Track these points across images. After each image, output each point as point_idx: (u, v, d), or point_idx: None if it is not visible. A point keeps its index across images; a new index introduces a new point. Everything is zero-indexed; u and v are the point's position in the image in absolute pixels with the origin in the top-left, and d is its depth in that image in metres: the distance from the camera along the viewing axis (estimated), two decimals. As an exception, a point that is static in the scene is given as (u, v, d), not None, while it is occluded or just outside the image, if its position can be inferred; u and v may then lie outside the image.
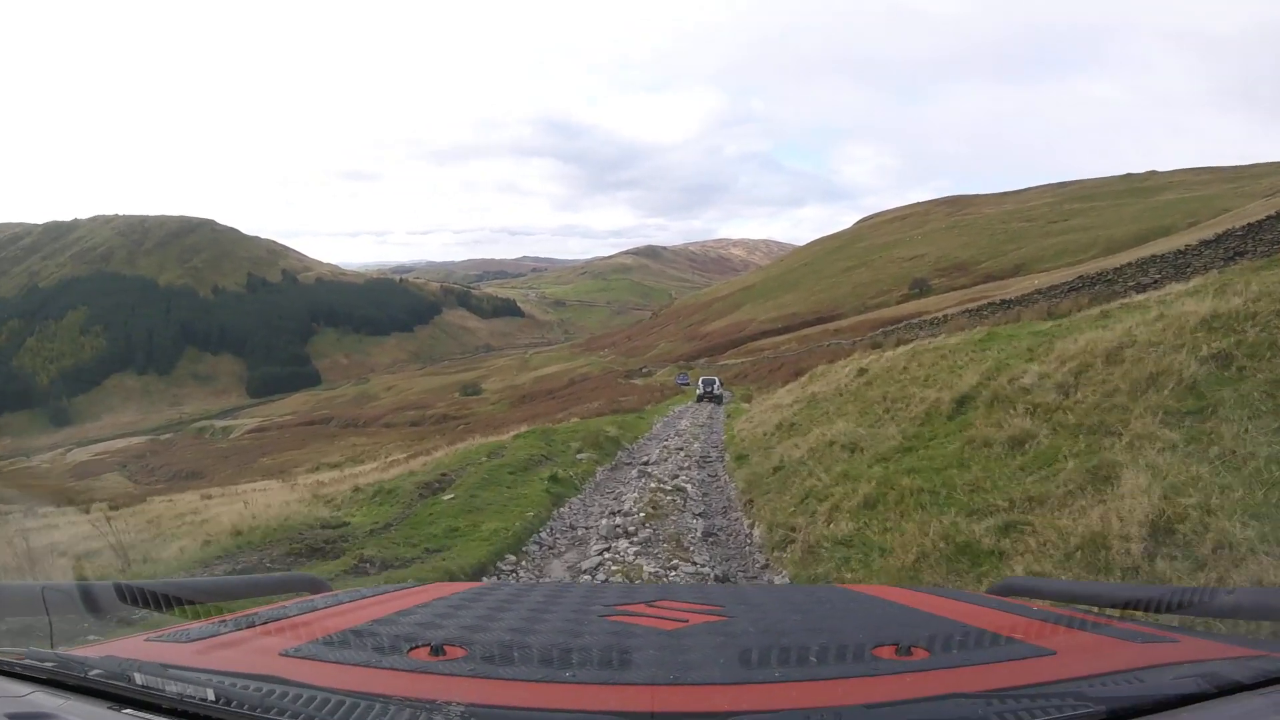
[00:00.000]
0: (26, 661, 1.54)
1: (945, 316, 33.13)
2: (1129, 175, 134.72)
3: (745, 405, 33.38)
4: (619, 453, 19.48)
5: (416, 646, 1.67)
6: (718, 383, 43.45)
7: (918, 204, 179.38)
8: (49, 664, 1.51)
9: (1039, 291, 23.95)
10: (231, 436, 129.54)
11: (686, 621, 2.02)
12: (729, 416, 29.02)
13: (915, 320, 42.04)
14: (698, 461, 17.47)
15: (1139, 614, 2.00)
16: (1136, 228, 78.60)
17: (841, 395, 16.47)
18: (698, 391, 42.13)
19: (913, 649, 1.60)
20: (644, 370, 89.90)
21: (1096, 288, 23.87)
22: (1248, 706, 1.25)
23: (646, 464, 17.08)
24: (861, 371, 17.78)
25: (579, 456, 17.23)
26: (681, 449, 19.76)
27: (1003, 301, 27.46)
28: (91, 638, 2.57)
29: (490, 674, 1.49)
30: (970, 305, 35.68)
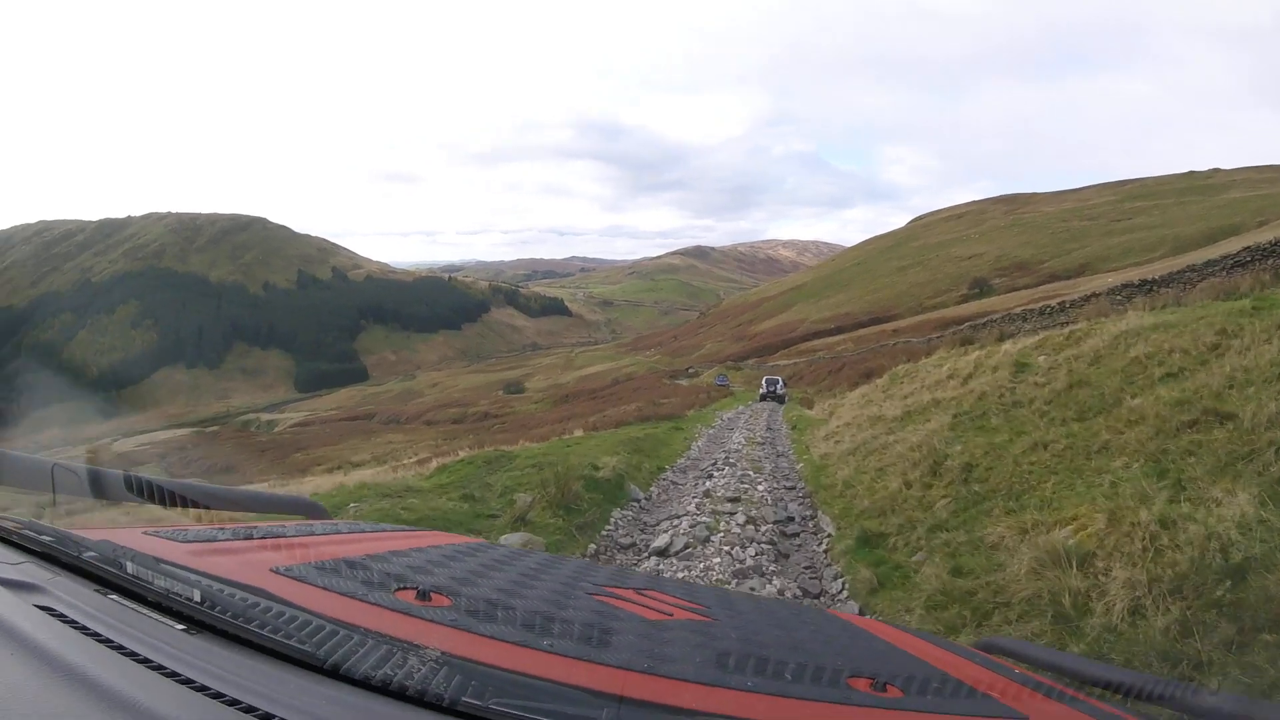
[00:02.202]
0: (25, 532, 1.62)
1: (1024, 314, 30.62)
2: (1191, 173, 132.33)
3: (809, 412, 28.06)
4: (615, 512, 10.68)
5: (404, 588, 1.67)
6: (781, 382, 42.18)
7: (973, 202, 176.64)
8: (46, 538, 1.58)
9: (1133, 284, 21.02)
10: (275, 430, 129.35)
11: (670, 615, 2.01)
12: (794, 428, 22.51)
13: (983, 320, 39.73)
14: (772, 542, 9.05)
15: (1118, 697, 1.88)
16: (1204, 226, 76.78)
17: (984, 401, 11.11)
18: (761, 391, 41.65)
19: (888, 686, 1.56)
20: (690, 371, 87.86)
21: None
22: None
23: (667, 550, 8.64)
24: (1021, 367, 11.74)
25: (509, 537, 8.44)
26: (736, 498, 11.35)
27: (1085, 298, 24.34)
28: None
29: (471, 627, 1.48)
30: (1043, 304, 33.14)
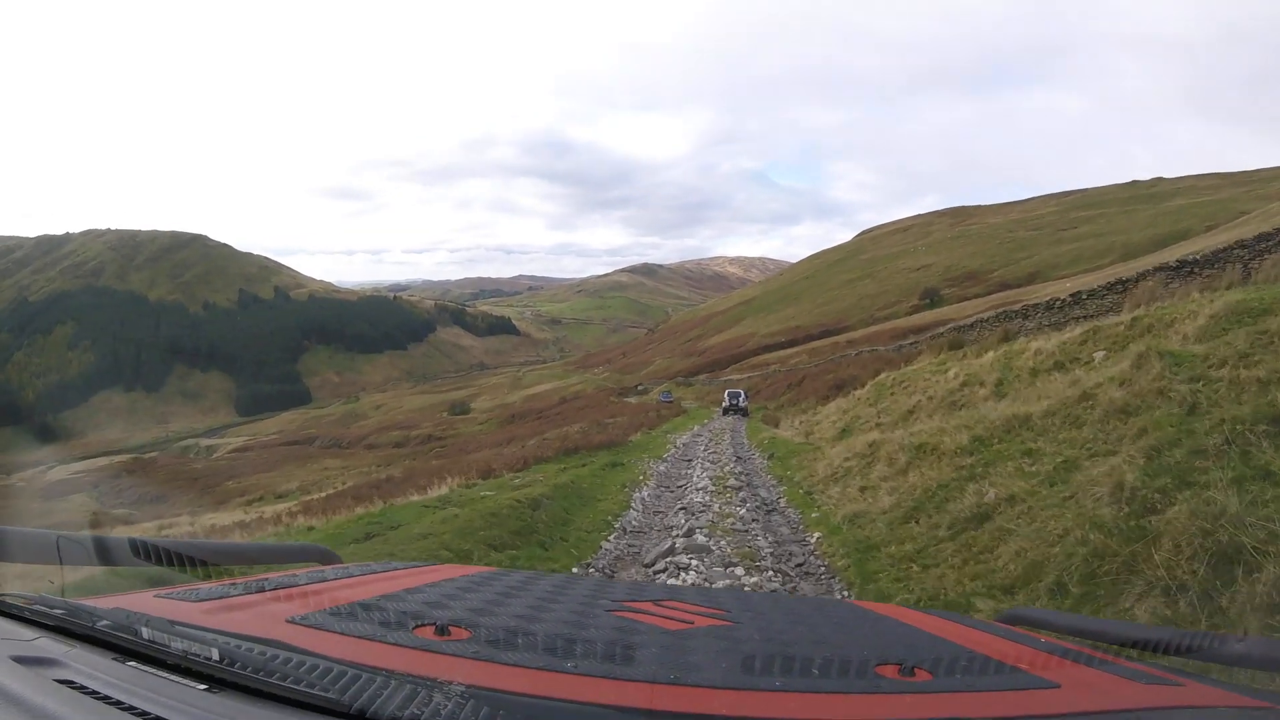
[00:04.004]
0: (36, 607, 1.59)
1: (974, 324, 28.90)
2: (1135, 183, 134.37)
3: (780, 432, 24.43)
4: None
5: (422, 624, 1.68)
6: (743, 395, 41.88)
7: (919, 216, 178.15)
8: (58, 611, 1.56)
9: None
10: (214, 456, 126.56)
11: (691, 623, 2.00)
12: (771, 457, 18.50)
13: (942, 329, 38.31)
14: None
15: (1145, 654, 1.92)
16: (1153, 232, 78.74)
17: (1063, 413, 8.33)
18: (724, 404, 40.89)
19: (916, 670, 1.57)
20: (639, 388, 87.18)
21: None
22: None
23: None
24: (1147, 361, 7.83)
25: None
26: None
27: (1048, 303, 22.41)
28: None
29: (493, 657, 1.49)
30: (984, 315, 31.78)
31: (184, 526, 22.97)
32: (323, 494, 22.29)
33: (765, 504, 12.46)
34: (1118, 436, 6.88)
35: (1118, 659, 1.82)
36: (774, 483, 14.87)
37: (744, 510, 11.73)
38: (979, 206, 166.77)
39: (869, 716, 1.32)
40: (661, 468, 17.92)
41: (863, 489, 11.00)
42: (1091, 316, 18.35)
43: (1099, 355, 10.10)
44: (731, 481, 14.77)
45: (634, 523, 11.46)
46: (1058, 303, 21.06)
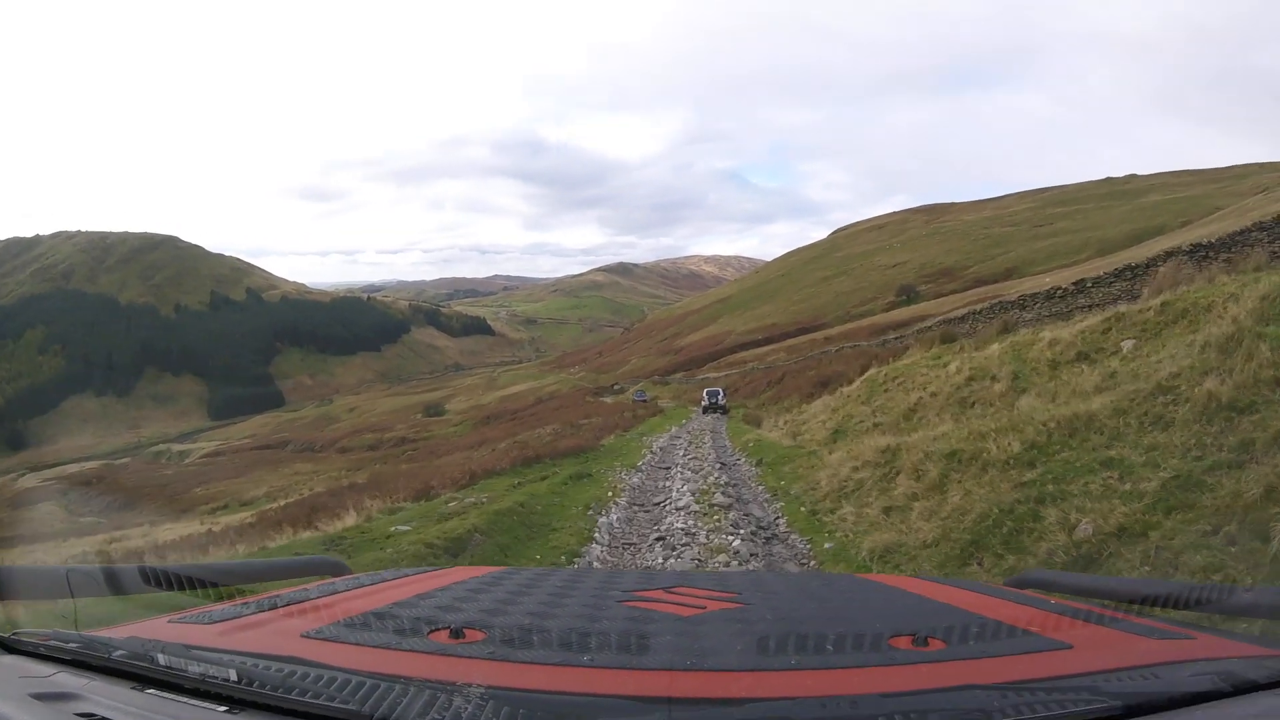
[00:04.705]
0: (51, 643, 1.58)
1: (965, 317, 28.17)
2: (1109, 179, 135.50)
3: (765, 433, 22.35)
4: None
5: (436, 629, 1.69)
6: (721, 393, 41.78)
7: (894, 213, 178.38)
8: (73, 645, 1.55)
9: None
10: (186, 462, 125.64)
11: (704, 608, 2.01)
12: (760, 463, 16.31)
13: (924, 324, 38.07)
14: None
15: (1156, 610, 1.95)
16: (1128, 228, 78.50)
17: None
18: (703, 404, 40.71)
19: (929, 639, 1.61)
20: (615, 387, 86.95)
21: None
22: (1263, 705, 1.26)
23: None
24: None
25: None
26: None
27: (1049, 293, 21.55)
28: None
29: (509, 657, 1.51)
30: (977, 307, 31.18)
31: (136, 540, 22.39)
32: (279, 504, 21.30)
33: (762, 528, 10.41)
34: (1242, 442, 5.56)
35: (1128, 616, 1.85)
36: (768, 497, 12.87)
37: (738, 541, 9.44)
38: (953, 204, 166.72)
39: (885, 689, 1.30)
40: (635, 479, 15.77)
41: (886, 511, 9.07)
42: (1098, 305, 17.59)
43: (1127, 344, 9.42)
44: (718, 497, 12.50)
45: (597, 564, 9.25)
46: (1059, 291, 20.17)
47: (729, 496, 12.59)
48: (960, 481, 8.16)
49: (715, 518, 10.95)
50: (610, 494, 13.79)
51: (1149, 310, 10.23)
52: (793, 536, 9.94)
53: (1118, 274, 18.48)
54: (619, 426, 30.44)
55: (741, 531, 9.98)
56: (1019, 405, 9.89)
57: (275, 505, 19.58)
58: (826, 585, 2.86)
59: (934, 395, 13.68)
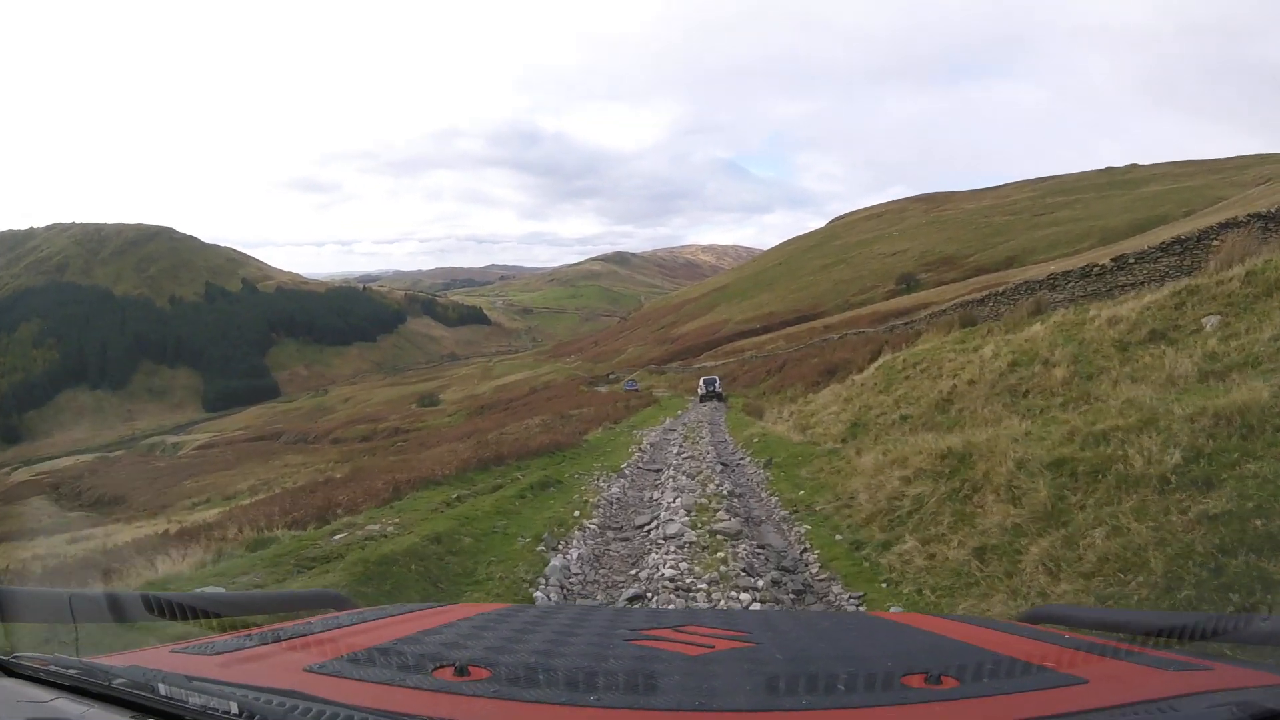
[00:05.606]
0: (51, 668, 1.58)
1: (985, 299, 27.03)
2: (1110, 169, 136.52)
3: (769, 426, 20.05)
4: None
5: (441, 666, 1.67)
6: (718, 381, 41.87)
7: (892, 202, 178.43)
8: (73, 671, 1.55)
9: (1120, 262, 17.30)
10: (179, 454, 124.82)
11: (713, 648, 1.96)
12: (768, 464, 13.91)
13: (925, 312, 37.14)
14: None
15: (1173, 642, 1.90)
16: (1130, 217, 79.12)
17: None
18: (700, 392, 40.73)
19: (943, 678, 1.58)
20: (611, 376, 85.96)
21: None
22: None
23: None
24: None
25: None
26: None
27: (1083, 270, 19.97)
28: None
29: (514, 695, 1.49)
30: (981, 294, 30.12)
31: (99, 540, 21.80)
32: (249, 501, 20.26)
33: (785, 569, 7.75)
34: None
35: (1144, 649, 1.82)
36: (785, 514, 10.23)
37: (756, 598, 6.79)
38: (953, 193, 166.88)
39: None
40: (616, 488, 13.01)
41: (980, 554, 6.17)
42: (1140, 284, 16.32)
43: (1210, 320, 8.38)
44: (721, 517, 9.71)
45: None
46: (1095, 269, 18.65)
47: (735, 515, 9.96)
48: (1091, 508, 5.55)
49: (719, 553, 8.21)
50: (578, 513, 10.83)
51: (1230, 282, 9.13)
52: (834, 588, 7.22)
53: (1164, 249, 16.97)
54: (608, 418, 28.20)
55: (760, 581, 7.18)
56: (1096, 393, 8.51)
57: (244, 503, 18.40)
58: (837, 624, 2.81)
59: (971, 383, 12.23)
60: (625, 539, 9.62)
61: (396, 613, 2.56)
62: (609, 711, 1.38)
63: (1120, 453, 5.70)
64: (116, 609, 1.90)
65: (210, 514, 18.47)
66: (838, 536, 8.50)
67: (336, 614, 2.50)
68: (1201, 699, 1.36)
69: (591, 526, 10.06)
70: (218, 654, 1.77)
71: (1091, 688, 1.50)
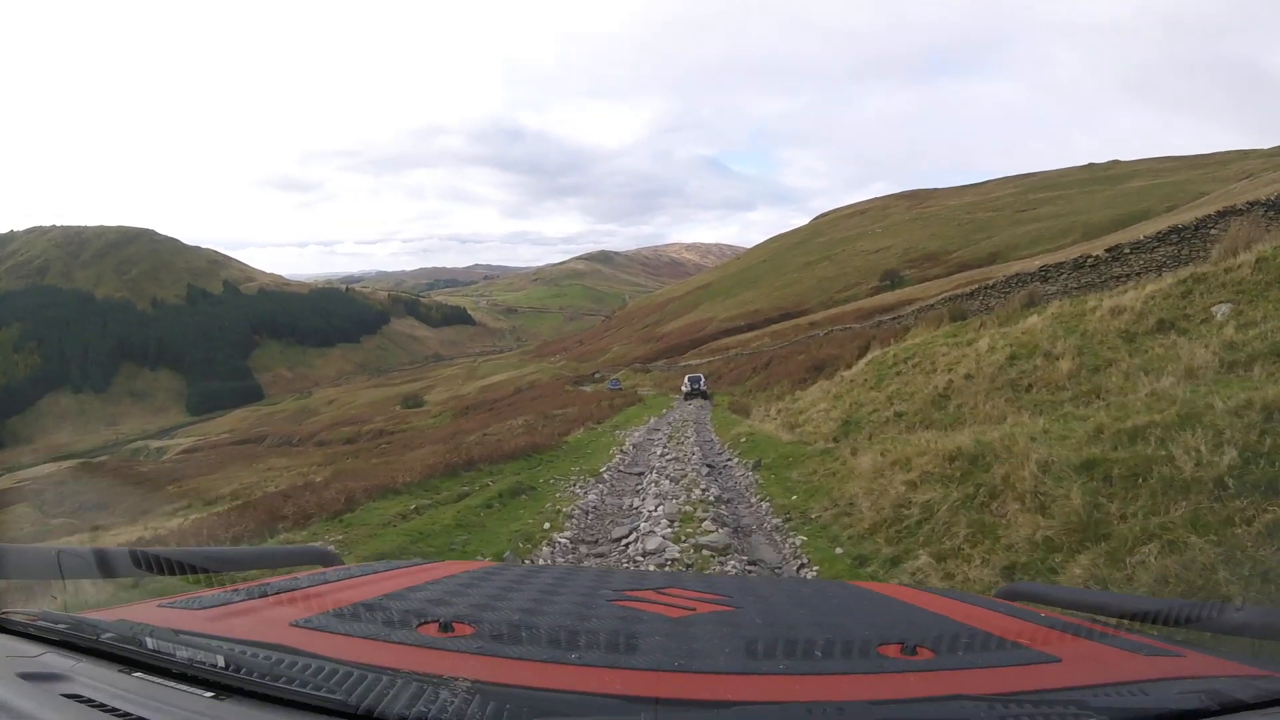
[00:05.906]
0: (40, 623, 1.61)
1: (975, 293, 26.89)
2: (1091, 165, 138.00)
3: (757, 424, 19.17)
4: None
5: (426, 622, 1.70)
6: (702, 379, 41.74)
7: (876, 199, 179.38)
8: (62, 626, 1.58)
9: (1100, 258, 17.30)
10: (163, 458, 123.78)
11: (694, 610, 2.02)
12: (758, 465, 13.28)
13: (910, 308, 37.17)
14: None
15: (1147, 626, 1.94)
16: (1112, 213, 79.31)
17: None
18: (685, 390, 40.47)
19: (918, 648, 1.61)
20: (596, 375, 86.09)
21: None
22: None
23: None
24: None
25: None
26: None
27: (1076, 262, 19.80)
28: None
29: (497, 652, 1.51)
30: (964, 291, 30.16)
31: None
32: (226, 507, 19.79)
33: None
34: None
35: (1118, 631, 1.84)
36: (778, 522, 9.35)
37: None
38: (936, 189, 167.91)
39: (872, 696, 1.32)
40: (593, 495, 11.95)
41: (1008, 573, 5.44)
42: (1137, 274, 16.16)
43: (1221, 309, 8.19)
44: (708, 528, 8.96)
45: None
46: (1089, 260, 18.47)
47: (722, 525, 9.19)
48: (1132, 517, 4.91)
49: (705, 572, 7.36)
50: (548, 525, 9.80)
51: (1239, 269, 8.92)
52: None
53: (1161, 238, 16.60)
54: (592, 418, 27.19)
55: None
56: (1107, 386, 8.23)
57: (223, 509, 17.96)
58: (818, 592, 2.79)
59: (969, 378, 11.71)
60: (600, 554, 8.55)
61: (383, 569, 2.60)
62: (590, 669, 1.41)
63: (1161, 453, 5.18)
64: (104, 565, 1.92)
65: (173, 524, 17.86)
66: (838, 549, 7.66)
67: (323, 570, 2.52)
68: (1172, 685, 1.39)
69: (563, 541, 8.99)
70: (205, 608, 1.79)
71: (1064, 666, 1.54)
